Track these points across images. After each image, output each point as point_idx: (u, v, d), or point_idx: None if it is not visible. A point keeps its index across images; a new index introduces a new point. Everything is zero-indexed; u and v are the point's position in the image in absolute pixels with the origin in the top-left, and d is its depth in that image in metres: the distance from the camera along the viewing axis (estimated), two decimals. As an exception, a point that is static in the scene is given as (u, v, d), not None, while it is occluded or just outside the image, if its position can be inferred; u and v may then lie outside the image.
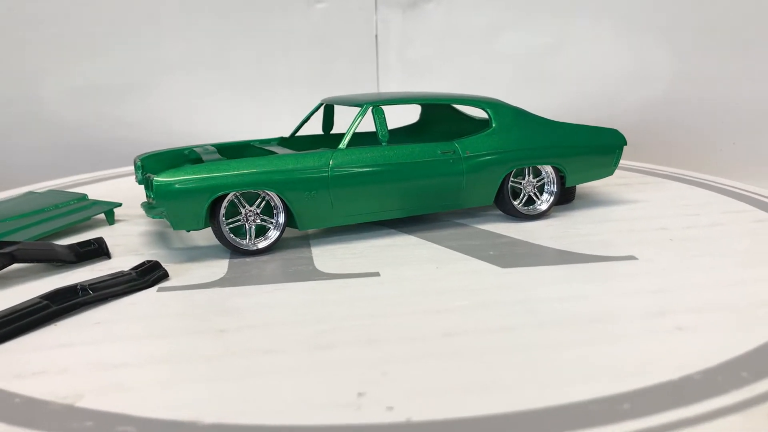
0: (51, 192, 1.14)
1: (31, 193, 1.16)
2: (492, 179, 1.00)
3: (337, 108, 1.16)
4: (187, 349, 0.63)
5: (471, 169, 0.98)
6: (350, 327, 0.67)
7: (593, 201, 1.16)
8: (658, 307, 0.71)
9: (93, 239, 0.90)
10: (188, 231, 0.89)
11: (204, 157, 0.96)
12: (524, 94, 1.71)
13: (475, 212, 1.10)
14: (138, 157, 1.04)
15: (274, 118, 1.73)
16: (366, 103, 0.97)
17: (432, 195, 0.97)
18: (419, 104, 1.12)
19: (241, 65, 1.81)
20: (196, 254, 0.91)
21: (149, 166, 1.02)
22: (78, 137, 1.78)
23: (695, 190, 1.24)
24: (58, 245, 0.86)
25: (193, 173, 0.85)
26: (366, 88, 1.84)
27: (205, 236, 0.98)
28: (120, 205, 1.09)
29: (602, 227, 1.00)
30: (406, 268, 0.84)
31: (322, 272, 0.83)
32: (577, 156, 1.06)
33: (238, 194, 0.87)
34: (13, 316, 0.67)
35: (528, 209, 1.04)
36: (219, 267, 0.85)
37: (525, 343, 0.63)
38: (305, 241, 0.96)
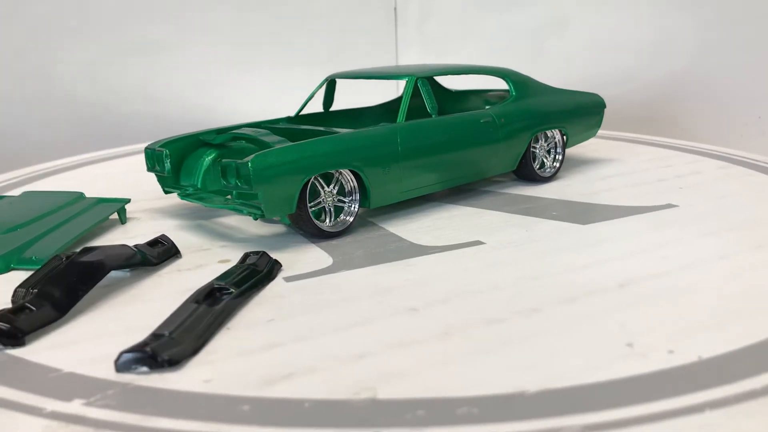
0: (50, 193, 0.99)
1: (29, 193, 1.00)
2: (520, 144, 1.04)
3: (339, 84, 1.12)
4: (411, 329, 0.60)
5: (506, 136, 1.01)
6: (541, 286, 0.68)
7: (581, 162, 1.25)
8: (755, 242, 0.80)
9: (158, 237, 0.80)
10: (275, 218, 0.82)
11: (264, 139, 0.88)
12: (543, 67, 1.71)
13: (484, 182, 1.13)
14: (154, 146, 0.93)
15: (289, 92, 1.64)
16: (412, 76, 0.96)
17: (478, 163, 0.99)
18: (454, 75, 1.11)
19: (257, 39, 1.81)
20: (266, 244, 0.84)
21: (175, 153, 0.92)
22: (94, 113, 1.76)
23: (684, 155, 1.36)
24: (138, 248, 0.76)
25: (286, 155, 0.79)
26: (384, 62, 1.81)
27: (239, 226, 0.91)
28: (129, 201, 0.96)
29: (612, 183, 1.09)
30: (499, 234, 0.85)
31: (427, 246, 0.82)
32: (576, 119, 1.14)
33: (318, 176, 0.83)
34: (186, 324, 0.59)
35: (542, 172, 1.10)
36: (315, 253, 0.81)
37: (707, 279, 0.69)
38: (365, 222, 0.93)
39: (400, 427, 0.46)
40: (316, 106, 1.16)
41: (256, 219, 0.85)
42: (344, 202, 0.87)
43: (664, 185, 1.07)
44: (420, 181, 0.92)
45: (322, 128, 0.98)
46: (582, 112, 1.15)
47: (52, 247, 0.80)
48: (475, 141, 0.97)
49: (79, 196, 0.96)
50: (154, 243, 0.79)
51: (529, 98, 1.07)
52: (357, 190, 0.87)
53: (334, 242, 0.84)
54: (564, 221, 0.90)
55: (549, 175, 1.10)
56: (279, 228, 0.90)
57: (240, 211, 0.82)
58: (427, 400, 0.49)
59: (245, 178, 0.77)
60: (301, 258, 0.79)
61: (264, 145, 0.87)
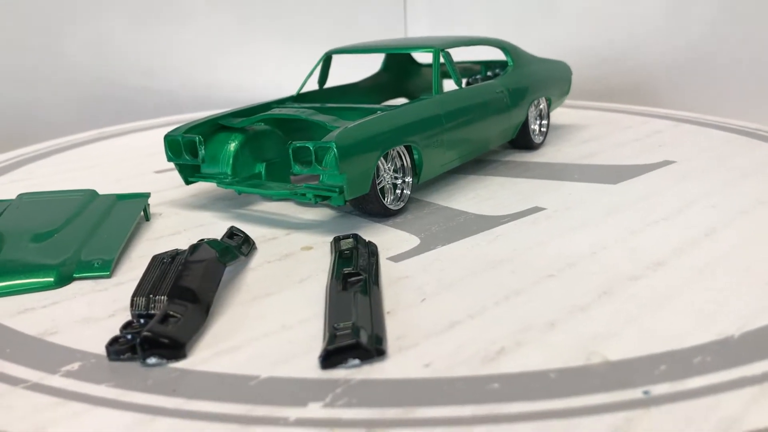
0: (58, 193, 0.88)
1: (31, 194, 0.88)
2: (521, 113, 1.07)
3: (346, 59, 1.09)
4: (568, 294, 0.61)
5: (512, 105, 1.04)
6: (648, 241, 0.71)
7: (561, 129, 1.30)
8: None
9: (232, 229, 0.74)
10: (352, 198, 0.77)
11: (313, 118, 0.83)
12: (553, 38, 1.70)
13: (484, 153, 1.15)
14: (176, 134, 0.85)
15: (294, 67, 1.55)
16: (436, 48, 0.95)
17: (494, 133, 1.01)
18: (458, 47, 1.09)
19: (263, 13, 1.76)
20: (328, 227, 0.81)
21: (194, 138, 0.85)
22: (101, 89, 1.73)
23: (631, 117, 1.47)
24: (231, 241, 0.70)
25: (363, 133, 0.76)
26: (393, 35, 1.73)
27: (281, 212, 0.87)
28: (149, 195, 0.88)
29: (596, 146, 1.16)
30: (548, 199, 0.88)
31: (493, 216, 0.83)
32: (556, 86, 1.19)
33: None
34: (359, 313, 0.56)
35: (534, 139, 1.14)
36: (391, 233, 0.78)
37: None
38: (411, 199, 0.91)
39: (656, 383, 0.48)
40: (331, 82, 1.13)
41: (316, 203, 0.81)
42: (398, 179, 0.85)
43: (642, 144, 1.15)
44: (455, 153, 0.93)
45: (346, 105, 0.95)
46: (559, 80, 1.21)
47: (106, 251, 0.72)
48: (494, 111, 0.99)
49: (93, 193, 0.86)
50: (230, 236, 0.73)
51: (524, 68, 1.10)
52: (410, 165, 0.85)
53: (398, 220, 0.83)
54: (593, 182, 0.94)
55: (539, 141, 1.15)
56: (326, 211, 0.87)
57: (303, 197, 0.78)
58: (660, 355, 0.51)
59: (327, 160, 0.73)
60: (383, 239, 0.77)
61: (313, 125, 0.83)
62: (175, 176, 1.00)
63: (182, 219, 0.86)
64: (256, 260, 0.72)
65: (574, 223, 0.79)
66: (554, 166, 1.04)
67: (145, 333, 0.52)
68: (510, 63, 1.09)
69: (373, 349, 0.51)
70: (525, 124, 1.09)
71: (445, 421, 0.44)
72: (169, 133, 0.86)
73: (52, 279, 0.67)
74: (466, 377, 0.49)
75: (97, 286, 0.67)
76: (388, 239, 0.76)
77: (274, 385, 0.49)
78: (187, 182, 0.89)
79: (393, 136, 0.80)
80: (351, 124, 0.77)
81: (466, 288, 0.64)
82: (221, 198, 0.94)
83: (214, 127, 0.90)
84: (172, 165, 1.03)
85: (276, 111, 0.90)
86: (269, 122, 0.93)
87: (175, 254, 0.63)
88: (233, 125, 0.89)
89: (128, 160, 1.20)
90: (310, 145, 0.74)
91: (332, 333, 0.53)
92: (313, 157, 0.74)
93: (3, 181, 1.10)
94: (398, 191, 0.85)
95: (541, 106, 1.15)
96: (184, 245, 0.74)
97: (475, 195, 0.91)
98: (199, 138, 0.84)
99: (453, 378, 0.49)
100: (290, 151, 0.75)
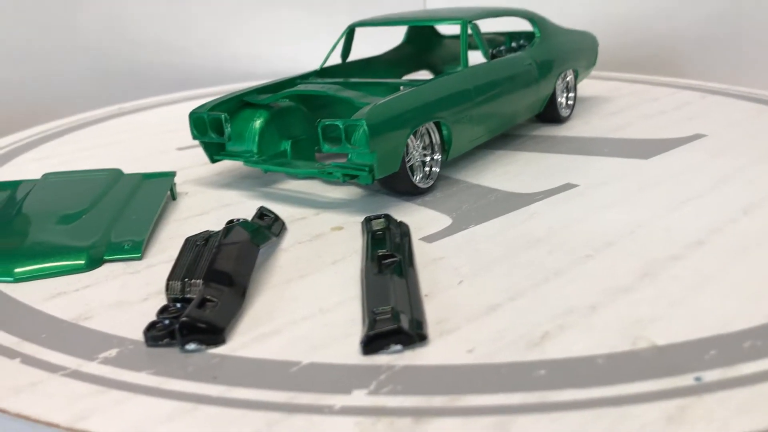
0: (84, 172, 0.87)
1: (55, 174, 0.87)
2: (549, 86, 1.05)
3: (358, 33, 1.07)
4: (608, 274, 0.60)
5: (541, 77, 1.02)
6: (687, 217, 0.70)
7: (587, 101, 1.28)
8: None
9: (262, 209, 0.74)
10: (381, 177, 0.75)
11: (340, 95, 0.82)
12: (577, 7, 1.66)
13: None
14: (202, 111, 0.84)
15: (313, 38, 1.56)
16: (464, 20, 0.93)
17: (522, 106, 0.99)
18: (492, 17, 1.05)
19: None
20: (357, 207, 0.80)
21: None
22: (117, 64, 1.72)
23: (659, 89, 1.44)
24: (261, 221, 0.69)
25: (393, 109, 0.74)
26: (413, 6, 1.70)
27: (307, 191, 0.85)
28: (175, 174, 0.87)
29: (624, 118, 1.13)
30: (579, 175, 0.86)
31: (525, 194, 0.81)
32: (582, 58, 1.16)
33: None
34: (398, 297, 0.55)
35: (561, 113, 1.12)
36: (422, 212, 0.77)
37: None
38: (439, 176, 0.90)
39: (707, 369, 0.46)
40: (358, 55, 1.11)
41: (344, 182, 0.80)
42: (427, 157, 0.83)
43: (670, 117, 1.13)
44: (484, 128, 0.91)
45: (371, 80, 0.93)
46: (586, 51, 1.18)
47: (135, 233, 0.71)
48: (523, 84, 0.97)
49: (119, 173, 0.85)
50: (260, 216, 0.72)
51: (551, 39, 1.08)
52: (439, 142, 0.84)
53: (427, 198, 0.81)
54: (624, 157, 0.93)
55: (566, 115, 1.13)
56: (354, 190, 0.85)
57: (330, 176, 0.77)
58: (708, 340, 0.50)
59: (357, 138, 0.72)
60: (414, 218, 0.75)
61: (339, 101, 0.81)
62: (199, 153, 0.99)
63: (209, 198, 0.85)
64: (287, 241, 0.71)
65: (608, 200, 0.78)
66: (583, 140, 1.02)
67: (184, 318, 0.51)
68: (537, 34, 1.07)
69: (415, 335, 0.51)
70: (552, 97, 1.07)
71: (493, 410, 0.43)
72: (194, 110, 0.85)
73: (83, 262, 0.66)
74: (511, 363, 0.48)
75: (129, 268, 0.67)
76: (418, 219, 0.75)
77: (315, 371, 0.49)
78: (213, 160, 0.88)
79: (423, 113, 0.78)
80: (381, 101, 0.75)
81: (503, 269, 0.62)
82: (247, 176, 0.92)
83: (239, 104, 0.88)
84: (194, 142, 1.02)
85: (301, 87, 0.89)
86: (294, 98, 0.92)
87: (207, 236, 0.62)
88: (258, 102, 0.88)
89: (150, 137, 1.19)
90: (339, 123, 0.72)
91: (372, 318, 0.52)
92: (343, 135, 0.72)
93: (27, 158, 1.10)
94: (427, 169, 0.83)
95: (568, 79, 1.13)
96: (212, 226, 0.73)
97: (505, 171, 0.90)
98: (225, 116, 0.83)
99: (498, 364, 0.48)
100: (319, 129, 0.74)
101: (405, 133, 0.75)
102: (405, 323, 0.51)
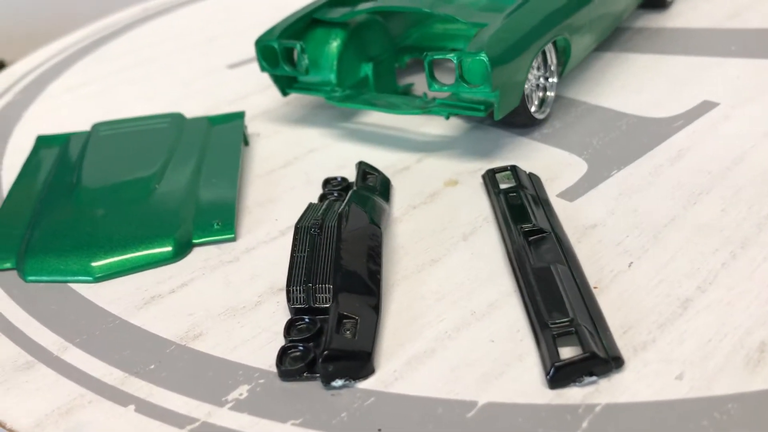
0: (141, 120, 0.75)
1: (108, 123, 0.75)
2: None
3: None
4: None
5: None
6: None
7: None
8: None
9: (363, 166, 0.63)
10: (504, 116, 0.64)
11: (438, 11, 0.68)
12: None
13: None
14: (270, 39, 0.71)
15: None
16: None
17: (618, 14, 0.84)
18: None
19: None
20: (461, 147, 0.69)
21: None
22: None
23: None
24: (366, 182, 0.59)
25: (513, 35, 0.61)
26: None
27: (395, 126, 0.74)
28: (244, 114, 0.75)
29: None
30: (713, 84, 0.74)
31: (660, 118, 0.69)
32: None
33: (523, 53, 0.66)
34: (577, 307, 0.46)
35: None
36: (545, 153, 0.66)
37: None
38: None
39: None
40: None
41: (448, 118, 0.68)
42: (542, 80, 0.71)
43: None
44: (597, 34, 0.77)
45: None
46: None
47: (221, 206, 0.61)
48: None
49: (180, 119, 0.74)
50: (363, 176, 0.61)
51: None
52: (555, 62, 0.71)
53: (545, 131, 0.70)
54: (759, 57, 0.79)
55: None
56: (452, 122, 0.73)
57: (437, 113, 0.65)
58: None
59: (475, 74, 0.59)
60: (540, 164, 0.64)
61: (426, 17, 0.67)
62: (254, 70, 0.86)
63: (286, 140, 0.74)
64: (399, 205, 0.61)
65: (766, 125, 0.66)
66: (697, 33, 0.88)
67: (326, 352, 0.42)
68: None
69: (610, 359, 0.41)
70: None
71: (743, 477, 0.35)
72: (260, 37, 0.72)
73: (170, 249, 0.56)
74: (737, 396, 0.39)
75: (224, 254, 0.57)
76: (546, 164, 0.64)
77: (496, 414, 0.40)
78: (285, 94, 0.75)
79: (546, 30, 0.65)
80: (497, 24, 0.61)
81: (674, 240, 0.52)
82: (320, 105, 0.80)
83: (308, 24, 0.75)
84: (246, 56, 0.90)
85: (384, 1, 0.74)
86: (392, 12, 0.77)
87: (321, 223, 0.52)
88: (333, 20, 0.74)
89: (187, 49, 1.05)
90: (453, 57, 0.59)
91: (548, 334, 0.43)
92: (458, 71, 0.60)
93: (59, 87, 0.97)
94: (540, 94, 0.71)
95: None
96: (302, 182, 0.64)
97: (623, 85, 0.77)
98: (300, 44, 0.69)
99: (721, 397, 0.39)
100: (426, 64, 0.61)
101: (528, 60, 0.63)
102: (595, 344, 0.42)
